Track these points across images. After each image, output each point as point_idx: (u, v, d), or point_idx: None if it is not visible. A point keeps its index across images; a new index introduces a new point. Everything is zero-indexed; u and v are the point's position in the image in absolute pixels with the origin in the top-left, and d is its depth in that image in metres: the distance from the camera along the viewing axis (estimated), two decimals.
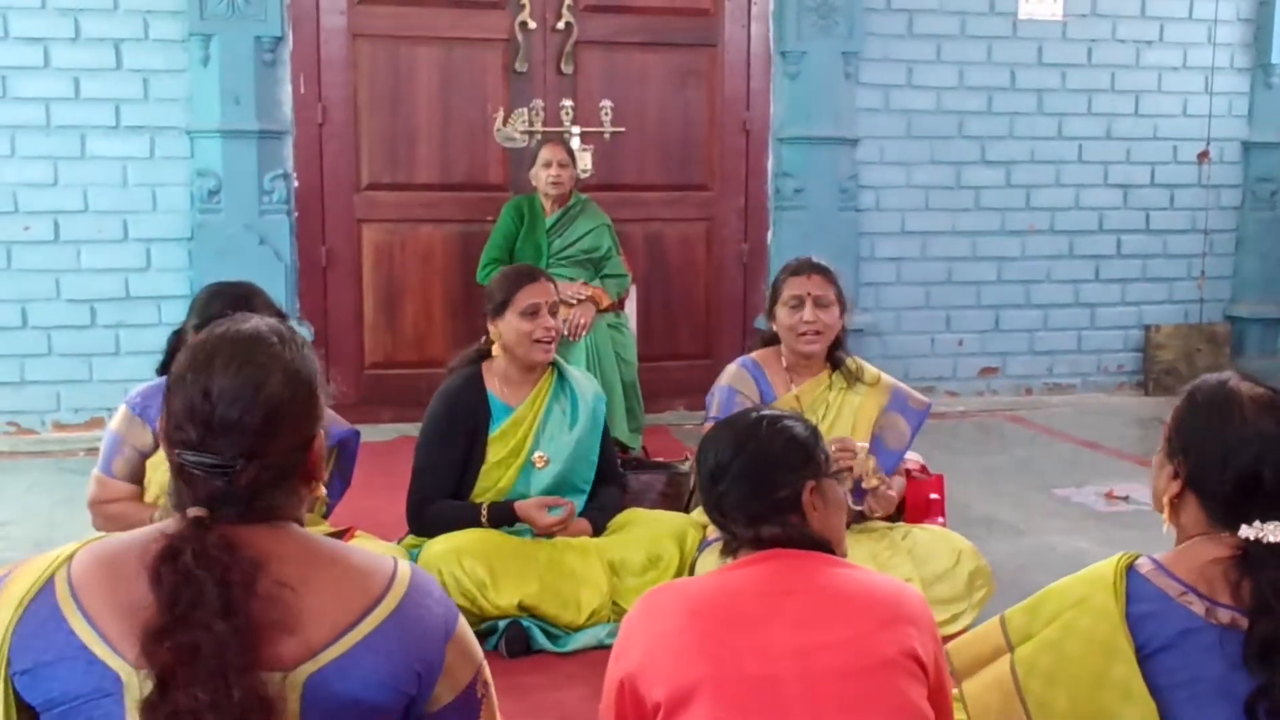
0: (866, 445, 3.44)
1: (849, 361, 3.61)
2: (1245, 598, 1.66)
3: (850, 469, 3.29)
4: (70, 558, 1.47)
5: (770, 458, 1.91)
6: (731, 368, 3.64)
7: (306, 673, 1.42)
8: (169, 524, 1.47)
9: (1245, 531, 1.69)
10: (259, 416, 1.47)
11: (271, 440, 1.49)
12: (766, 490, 1.89)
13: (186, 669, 1.35)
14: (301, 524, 1.56)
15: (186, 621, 1.36)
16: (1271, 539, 1.68)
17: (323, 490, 1.60)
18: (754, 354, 3.67)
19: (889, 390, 3.61)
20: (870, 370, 3.65)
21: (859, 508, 3.39)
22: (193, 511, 1.45)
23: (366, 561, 1.53)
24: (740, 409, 3.53)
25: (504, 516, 3.45)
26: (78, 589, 1.43)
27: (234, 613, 1.38)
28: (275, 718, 1.37)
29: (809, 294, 3.48)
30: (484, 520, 3.44)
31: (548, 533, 3.44)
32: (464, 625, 1.58)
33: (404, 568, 1.55)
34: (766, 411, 2.02)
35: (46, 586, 1.44)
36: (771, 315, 3.59)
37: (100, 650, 1.39)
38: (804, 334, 3.49)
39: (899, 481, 3.61)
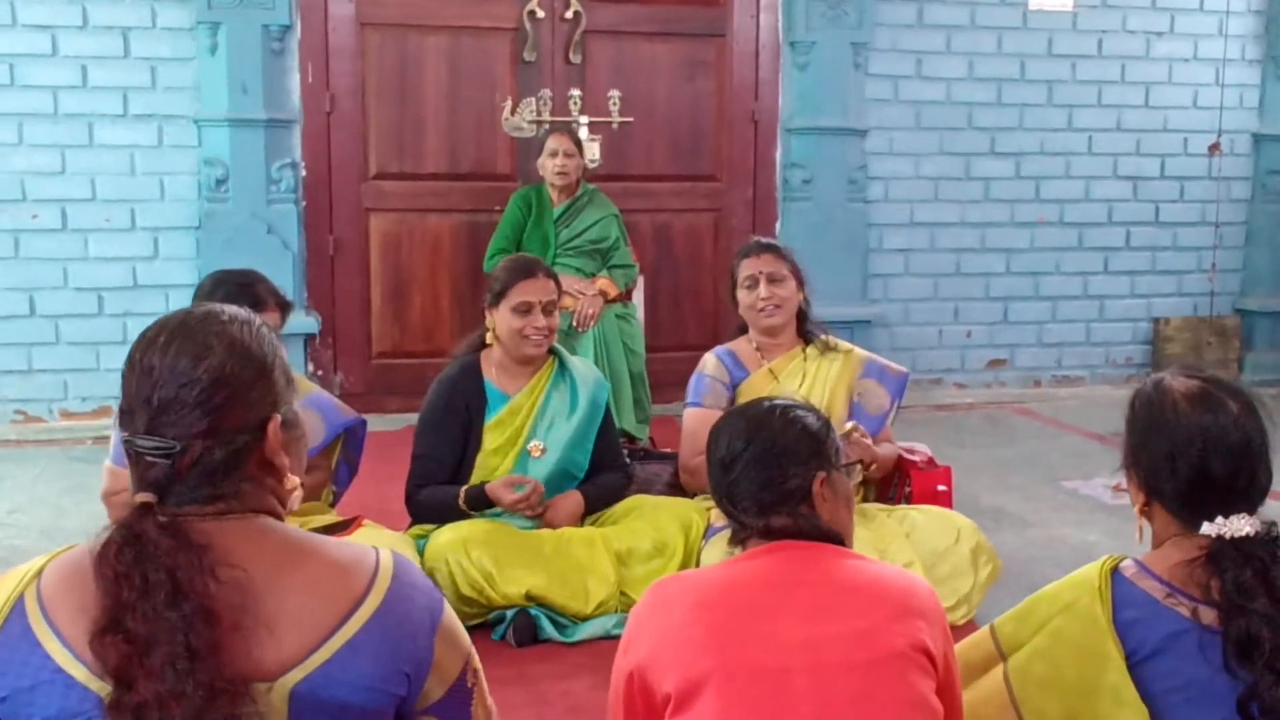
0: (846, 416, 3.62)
1: (820, 336, 3.80)
2: (1216, 597, 1.65)
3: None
4: (40, 572, 1.41)
5: (781, 448, 1.90)
6: (706, 356, 3.86)
7: (293, 681, 1.36)
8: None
9: (1207, 529, 1.69)
10: (197, 391, 1.40)
11: (214, 418, 1.41)
12: (777, 480, 1.88)
13: (140, 661, 1.29)
14: (279, 516, 1.50)
15: (133, 613, 1.31)
16: (1234, 534, 1.66)
17: (294, 481, 1.52)
18: (729, 343, 3.88)
19: (863, 360, 3.81)
20: (843, 343, 3.86)
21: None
22: (139, 497, 1.40)
23: (347, 556, 1.47)
24: (712, 391, 3.71)
25: (478, 500, 3.44)
26: (48, 607, 1.37)
27: (184, 600, 1.32)
28: (241, 707, 1.32)
29: (761, 272, 3.71)
30: (461, 505, 3.44)
31: (516, 511, 3.41)
32: (449, 613, 1.52)
33: (386, 560, 1.48)
34: (779, 401, 2.01)
35: (17, 607, 1.38)
36: (735, 301, 3.80)
37: (79, 673, 1.33)
38: (762, 309, 3.71)
39: (888, 447, 3.72)
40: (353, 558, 1.47)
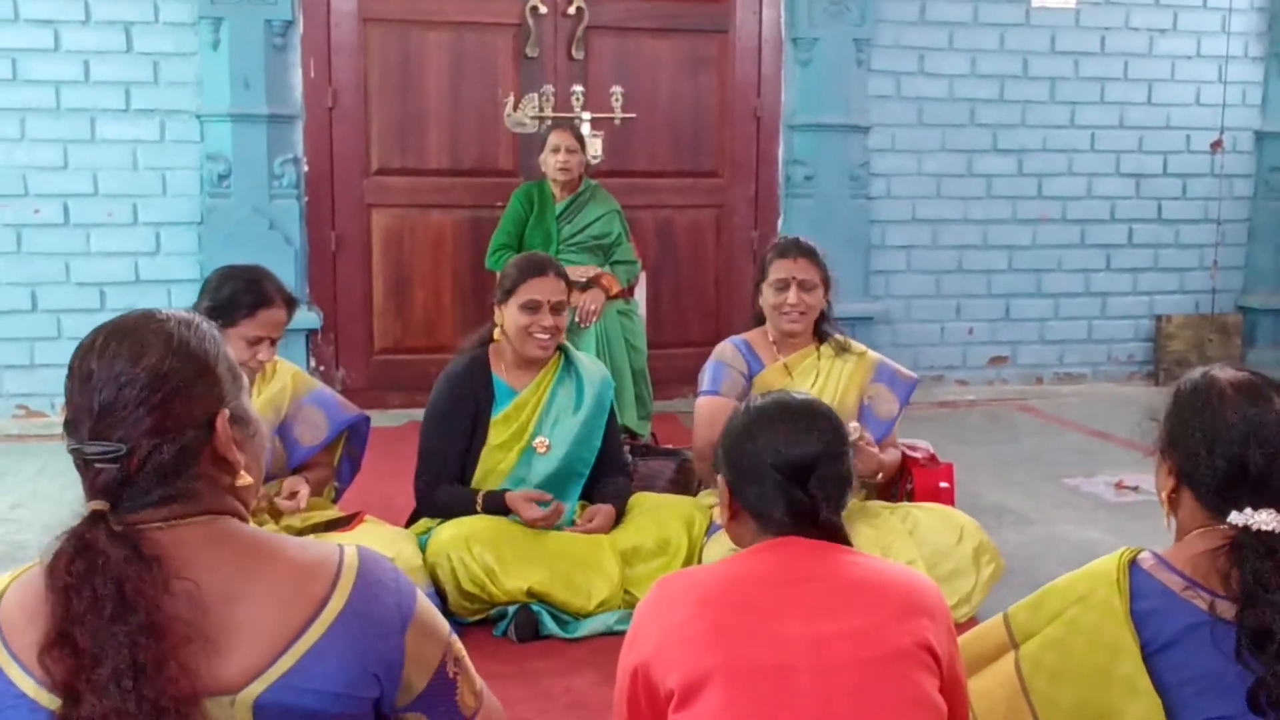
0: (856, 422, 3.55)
1: (836, 335, 3.77)
2: (1234, 588, 1.65)
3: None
4: (1, 595, 1.39)
5: (840, 446, 1.90)
6: (722, 344, 3.81)
7: (256, 693, 1.33)
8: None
9: (1234, 518, 1.68)
10: (137, 390, 1.38)
11: (158, 416, 1.38)
12: (848, 476, 1.90)
13: (87, 677, 1.27)
14: (243, 517, 1.46)
15: (81, 626, 1.28)
16: (1260, 527, 1.67)
17: (247, 479, 1.47)
18: (744, 334, 3.83)
19: (875, 363, 3.77)
20: (857, 344, 3.83)
21: None
22: (91, 505, 1.35)
23: (309, 557, 1.42)
24: (730, 379, 3.65)
25: (496, 505, 3.41)
26: (5, 631, 1.35)
27: (130, 613, 1.28)
28: None
29: (794, 277, 3.65)
30: (478, 508, 3.41)
31: (534, 526, 3.38)
32: (424, 605, 1.48)
33: (350, 557, 1.44)
34: (806, 395, 2.00)
35: None
36: (758, 291, 3.75)
37: (29, 688, 1.31)
38: (787, 313, 3.66)
39: (893, 453, 3.70)
40: (315, 559, 1.43)
